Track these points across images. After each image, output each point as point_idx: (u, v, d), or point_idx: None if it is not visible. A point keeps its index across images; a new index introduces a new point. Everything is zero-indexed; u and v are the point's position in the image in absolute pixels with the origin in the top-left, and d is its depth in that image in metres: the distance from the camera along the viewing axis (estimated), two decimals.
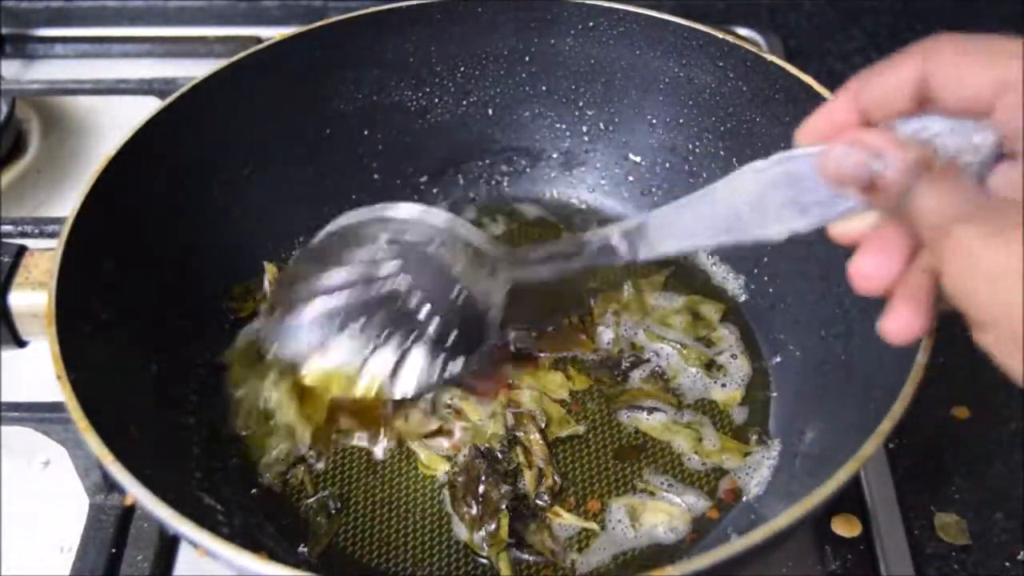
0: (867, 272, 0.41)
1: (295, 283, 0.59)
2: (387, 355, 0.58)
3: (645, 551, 0.57)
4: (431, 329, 0.58)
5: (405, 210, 0.59)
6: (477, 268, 0.57)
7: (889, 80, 0.41)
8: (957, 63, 0.39)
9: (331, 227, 0.59)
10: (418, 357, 0.58)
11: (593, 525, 0.57)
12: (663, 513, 0.58)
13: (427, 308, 0.58)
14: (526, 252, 0.57)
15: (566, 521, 0.57)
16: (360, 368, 0.58)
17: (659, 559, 0.56)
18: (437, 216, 0.58)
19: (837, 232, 0.43)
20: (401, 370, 0.58)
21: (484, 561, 0.56)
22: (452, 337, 0.58)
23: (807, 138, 0.44)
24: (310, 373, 0.59)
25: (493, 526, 0.56)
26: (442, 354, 0.58)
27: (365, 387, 0.58)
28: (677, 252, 0.49)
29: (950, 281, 0.36)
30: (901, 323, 0.40)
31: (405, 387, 0.58)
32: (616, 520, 0.58)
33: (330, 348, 0.58)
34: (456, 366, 0.58)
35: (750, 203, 0.44)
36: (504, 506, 0.57)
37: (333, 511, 0.58)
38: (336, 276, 0.58)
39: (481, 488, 0.57)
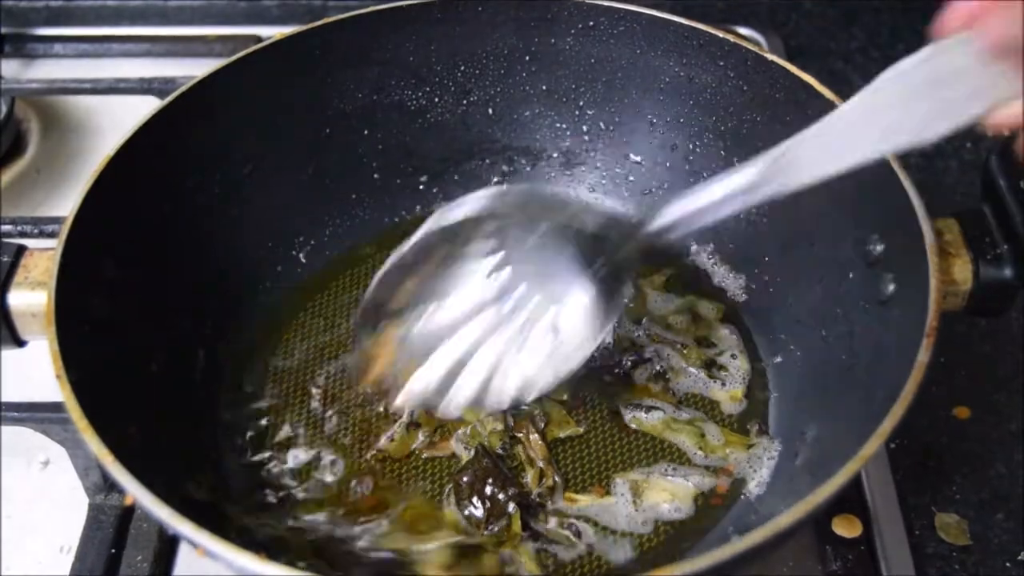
0: None
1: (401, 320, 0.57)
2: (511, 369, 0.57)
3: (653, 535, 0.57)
4: (553, 325, 0.56)
5: (498, 199, 0.55)
6: (594, 238, 0.54)
7: None
8: None
9: (427, 228, 0.55)
10: (536, 361, 0.56)
11: (609, 499, 0.58)
12: (666, 492, 0.58)
13: (546, 308, 0.56)
14: (650, 218, 0.52)
15: (581, 503, 0.58)
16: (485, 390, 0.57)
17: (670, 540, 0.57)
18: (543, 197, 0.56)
19: (996, 120, 0.42)
20: (523, 376, 0.57)
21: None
22: (572, 330, 0.56)
23: (948, 29, 0.42)
24: (447, 416, 0.59)
25: (504, 522, 0.56)
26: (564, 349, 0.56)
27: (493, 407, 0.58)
28: (821, 177, 0.45)
29: None
30: None
31: (529, 391, 0.57)
32: (619, 495, 0.58)
33: (461, 388, 0.58)
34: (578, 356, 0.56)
35: (899, 109, 0.42)
36: (511, 508, 0.56)
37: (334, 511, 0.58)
38: (456, 307, 0.56)
39: (488, 489, 0.57)
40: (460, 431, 0.61)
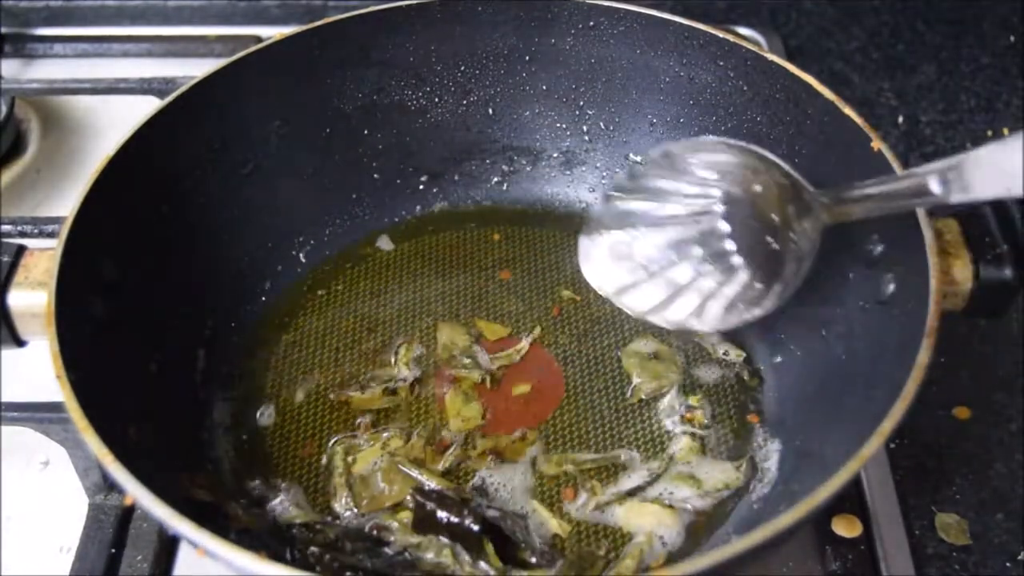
0: None
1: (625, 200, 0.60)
2: (693, 295, 0.58)
3: None
4: (742, 272, 0.57)
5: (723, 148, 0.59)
6: (794, 206, 0.56)
7: None
8: None
9: (658, 151, 0.60)
10: (726, 295, 0.57)
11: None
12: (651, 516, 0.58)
13: (741, 250, 0.57)
14: (841, 192, 0.54)
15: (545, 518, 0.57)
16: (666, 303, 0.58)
17: None
18: (752, 155, 0.58)
19: None
20: (707, 307, 0.57)
21: None
22: (760, 279, 0.57)
23: None
24: (626, 306, 0.59)
25: (483, 561, 0.54)
26: (750, 293, 0.57)
27: (673, 318, 0.58)
28: (996, 196, 0.45)
29: None
30: None
31: (711, 322, 0.57)
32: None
33: (643, 287, 0.59)
34: (759, 308, 0.57)
35: None
36: (476, 529, 0.54)
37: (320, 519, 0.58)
38: (663, 208, 0.59)
39: (444, 518, 0.55)
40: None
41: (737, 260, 0.57)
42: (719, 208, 0.58)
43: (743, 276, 0.57)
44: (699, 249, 0.58)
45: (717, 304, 0.57)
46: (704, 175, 0.59)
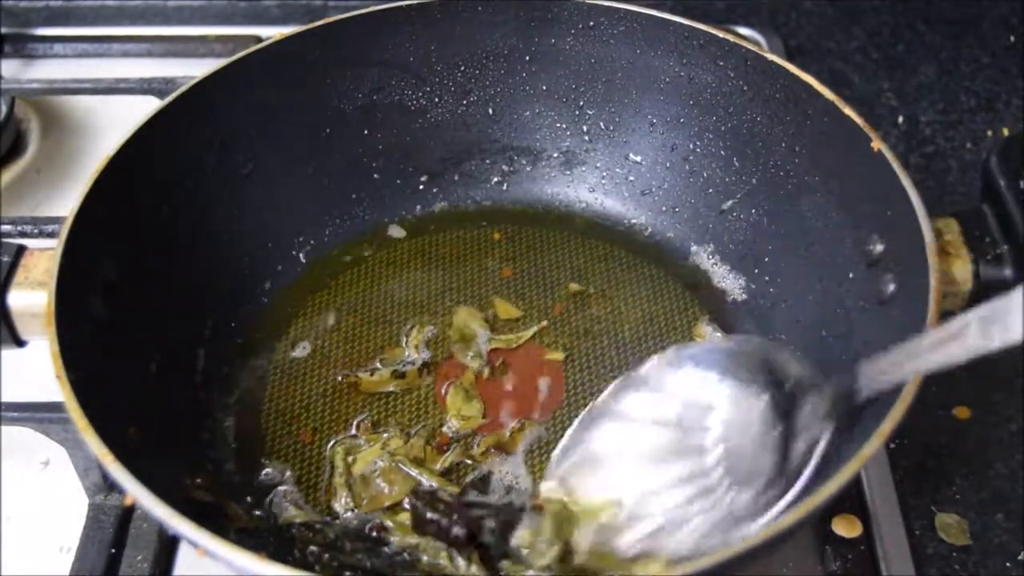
0: None
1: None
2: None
3: None
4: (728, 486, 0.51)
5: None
6: (798, 406, 0.50)
7: None
8: None
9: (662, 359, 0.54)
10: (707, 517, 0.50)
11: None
12: None
13: (732, 467, 0.51)
14: (853, 377, 0.48)
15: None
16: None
17: None
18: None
19: None
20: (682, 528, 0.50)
21: None
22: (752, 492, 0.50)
23: None
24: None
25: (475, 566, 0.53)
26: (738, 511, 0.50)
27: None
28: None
29: None
30: None
31: (682, 545, 0.50)
32: None
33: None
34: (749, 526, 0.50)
35: None
36: (462, 535, 0.53)
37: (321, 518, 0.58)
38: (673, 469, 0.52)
39: (434, 522, 0.54)
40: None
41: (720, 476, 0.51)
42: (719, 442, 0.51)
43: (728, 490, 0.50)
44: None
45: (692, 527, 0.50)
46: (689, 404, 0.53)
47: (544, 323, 0.68)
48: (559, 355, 0.66)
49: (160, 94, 0.80)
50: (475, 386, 0.65)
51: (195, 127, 0.64)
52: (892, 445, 0.64)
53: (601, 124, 0.74)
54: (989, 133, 0.88)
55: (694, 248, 0.71)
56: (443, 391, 0.64)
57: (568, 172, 0.76)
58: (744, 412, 0.51)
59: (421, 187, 0.75)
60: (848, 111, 0.58)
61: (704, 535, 0.50)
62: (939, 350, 0.44)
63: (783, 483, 0.49)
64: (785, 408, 0.50)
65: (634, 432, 0.54)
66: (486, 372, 0.65)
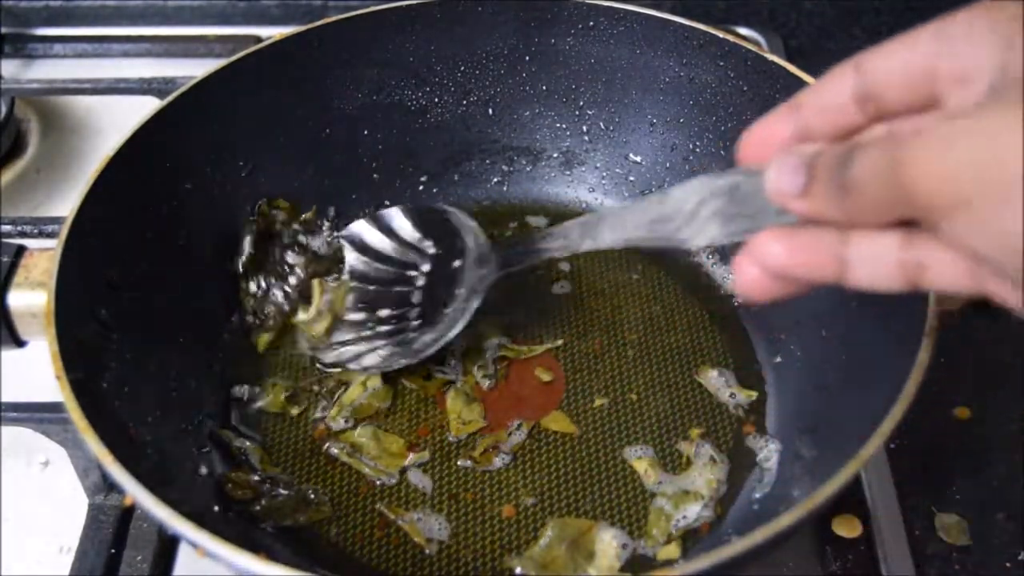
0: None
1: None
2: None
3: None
4: (418, 312, 0.64)
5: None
6: (474, 259, 0.62)
7: (827, 89, 0.40)
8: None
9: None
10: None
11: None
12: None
13: (426, 299, 0.63)
14: (507, 243, 0.62)
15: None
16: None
17: None
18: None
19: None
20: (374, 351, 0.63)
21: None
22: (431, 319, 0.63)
23: (746, 153, 0.44)
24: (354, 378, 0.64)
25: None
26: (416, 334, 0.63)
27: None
28: (610, 246, 0.50)
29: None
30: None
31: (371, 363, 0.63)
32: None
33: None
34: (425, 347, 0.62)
35: (690, 207, 0.43)
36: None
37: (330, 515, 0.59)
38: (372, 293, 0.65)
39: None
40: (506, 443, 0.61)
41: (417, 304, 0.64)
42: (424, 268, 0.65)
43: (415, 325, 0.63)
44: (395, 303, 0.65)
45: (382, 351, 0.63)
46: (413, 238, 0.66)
47: (559, 342, 0.67)
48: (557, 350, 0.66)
49: (160, 94, 0.80)
50: (475, 389, 0.64)
51: (195, 127, 0.64)
52: (892, 445, 0.64)
53: (601, 124, 0.74)
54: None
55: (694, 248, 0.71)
56: (443, 394, 0.64)
57: (568, 172, 0.76)
58: (443, 269, 0.64)
59: (421, 187, 0.75)
60: None
61: (386, 359, 0.63)
62: (549, 242, 0.56)
63: (445, 328, 0.62)
64: (465, 271, 0.62)
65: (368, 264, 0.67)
66: (487, 384, 0.65)
